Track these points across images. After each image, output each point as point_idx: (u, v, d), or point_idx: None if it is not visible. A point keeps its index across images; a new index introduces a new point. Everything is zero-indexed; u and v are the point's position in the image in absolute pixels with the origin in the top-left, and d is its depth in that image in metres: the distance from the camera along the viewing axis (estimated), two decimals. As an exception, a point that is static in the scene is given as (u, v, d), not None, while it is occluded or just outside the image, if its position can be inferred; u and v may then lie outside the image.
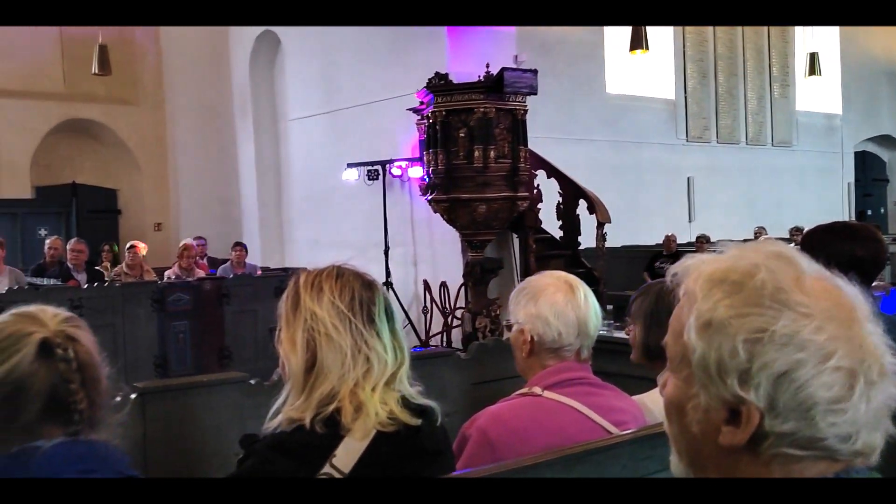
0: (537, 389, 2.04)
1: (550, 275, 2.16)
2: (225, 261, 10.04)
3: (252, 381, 3.35)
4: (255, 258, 10.06)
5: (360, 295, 1.61)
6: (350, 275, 1.64)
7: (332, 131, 11.18)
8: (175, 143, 14.04)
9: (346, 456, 1.51)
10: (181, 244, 9.19)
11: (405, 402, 1.59)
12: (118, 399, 1.55)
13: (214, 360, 8.13)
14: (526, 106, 7.72)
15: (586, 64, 12.08)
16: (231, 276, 9.05)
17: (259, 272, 9.60)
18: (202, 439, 3.15)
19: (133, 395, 2.81)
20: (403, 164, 9.69)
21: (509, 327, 2.16)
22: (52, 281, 8.09)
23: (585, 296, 2.09)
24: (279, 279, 8.92)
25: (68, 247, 8.50)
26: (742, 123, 15.08)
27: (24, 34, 12.56)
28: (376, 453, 1.52)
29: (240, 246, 9.58)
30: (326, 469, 1.50)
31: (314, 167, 11.57)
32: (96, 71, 11.99)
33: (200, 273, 9.12)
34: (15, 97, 13.13)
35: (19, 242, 11.66)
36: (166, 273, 9.16)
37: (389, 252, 9.58)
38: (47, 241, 8.80)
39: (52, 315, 1.45)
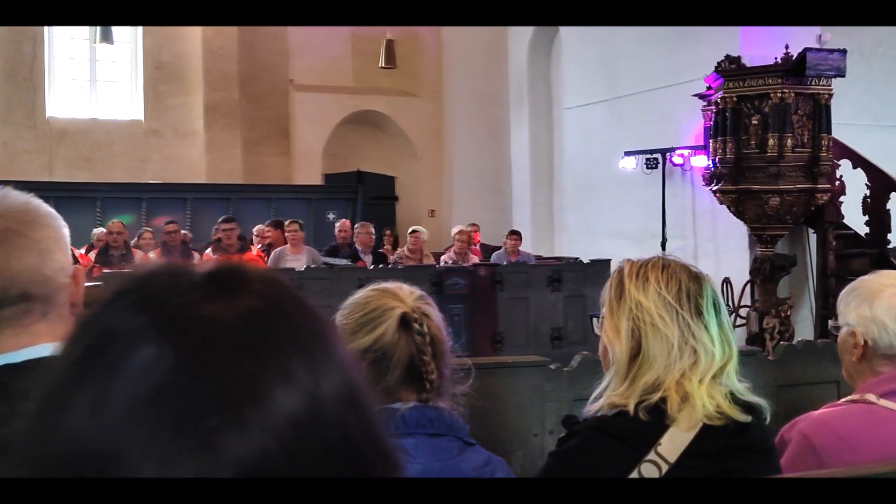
0: (871, 397, 1.88)
1: (890, 275, 1.99)
2: (496, 248, 10.20)
3: (552, 367, 3.44)
4: (525, 246, 10.13)
5: (688, 286, 1.58)
6: (676, 266, 1.62)
7: (609, 119, 10.95)
8: (452, 132, 14.52)
9: (671, 445, 1.50)
10: (457, 230, 9.44)
11: (733, 398, 1.55)
12: (461, 372, 1.65)
13: (487, 343, 8.28)
14: (831, 90, 7.05)
15: (903, 40, 10.80)
16: (504, 262, 9.17)
17: (533, 261, 9.65)
18: (504, 417, 3.25)
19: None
20: (686, 152, 9.27)
21: (836, 329, 2.02)
22: (344, 261, 8.64)
23: None
24: (552, 268, 8.94)
25: (359, 229, 9.01)
26: None
27: (319, 34, 13.60)
28: (703, 446, 1.50)
29: (515, 234, 9.69)
30: (651, 456, 1.49)
31: (589, 156, 11.41)
32: (383, 65, 12.72)
33: (474, 259, 9.35)
34: (311, 91, 14.29)
35: (311, 224, 12.63)
36: (442, 258, 9.48)
37: (667, 244, 9.20)
38: (337, 224, 9.45)
39: (408, 292, 1.62)
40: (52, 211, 1.24)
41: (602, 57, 11.03)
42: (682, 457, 1.49)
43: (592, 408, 1.60)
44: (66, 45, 14.15)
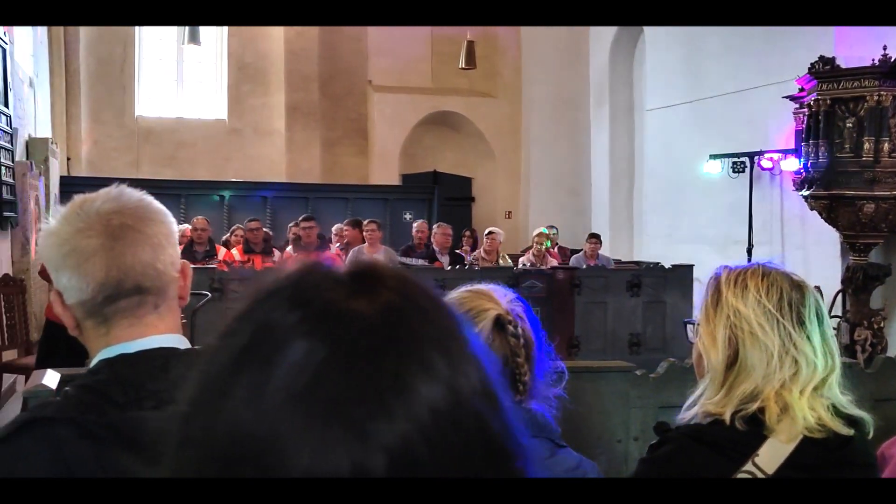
0: None
1: None
2: (574, 251, 10.08)
3: (638, 373, 3.46)
4: (603, 250, 10.00)
5: (790, 295, 1.55)
6: (777, 274, 1.58)
7: (694, 121, 10.72)
8: (529, 133, 14.43)
9: (770, 457, 1.47)
10: (536, 232, 9.37)
11: (836, 411, 1.52)
12: (554, 375, 1.64)
13: (563, 348, 8.19)
14: (931, 93, 6.74)
15: None
16: (583, 266, 9.06)
17: (612, 265, 9.50)
18: (587, 421, 3.28)
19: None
20: (776, 156, 8.99)
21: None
22: (420, 261, 8.65)
23: None
24: (631, 273, 8.80)
25: (436, 230, 9.01)
26: None
27: (398, 35, 13.66)
28: (802, 458, 1.47)
29: (594, 237, 9.57)
30: (748, 467, 1.46)
31: (671, 159, 11.19)
32: (463, 66, 12.69)
33: (552, 262, 9.25)
34: (390, 92, 14.37)
35: (388, 224, 12.70)
36: (520, 260, 9.42)
37: (753, 251, 8.95)
38: (415, 225, 9.46)
39: (502, 294, 1.61)
40: (163, 208, 1.29)
41: (687, 57, 10.81)
42: (781, 469, 1.46)
43: (686, 415, 1.58)
44: (154, 46, 14.55)
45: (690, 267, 8.53)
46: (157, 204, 1.28)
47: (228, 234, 9.46)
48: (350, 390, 0.49)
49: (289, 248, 8.77)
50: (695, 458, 1.51)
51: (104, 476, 1.05)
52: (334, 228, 9.78)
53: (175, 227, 1.29)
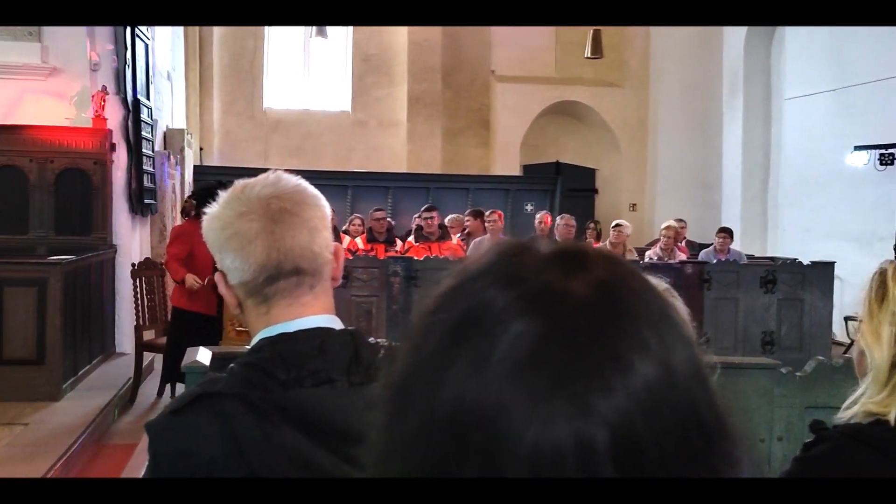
0: None
1: None
2: (703, 245, 9.74)
3: (783, 371, 3.36)
4: (735, 245, 9.59)
5: None
6: None
7: (837, 110, 10.15)
8: (657, 124, 14.05)
9: None
10: (664, 225, 9.08)
11: None
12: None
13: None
14: None
15: None
16: (713, 261, 8.73)
17: (745, 260, 9.12)
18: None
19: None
20: (929, 147, 8.41)
21: None
22: (543, 253, 8.50)
23: None
24: (766, 269, 8.41)
25: (561, 222, 8.86)
26: None
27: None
28: None
29: (725, 231, 9.22)
30: None
31: (812, 150, 10.64)
32: (588, 55, 12.46)
33: (681, 256, 8.97)
34: (513, 82, 14.29)
35: (508, 215, 12.60)
36: (647, 254, 9.17)
37: (901, 248, 8.40)
38: (537, 216, 9.35)
39: (655, 283, 1.48)
40: (318, 192, 1.33)
41: (830, 43, 10.24)
42: None
43: (845, 415, 1.52)
44: (283, 39, 14.92)
45: (832, 264, 8.06)
46: (312, 188, 1.32)
47: (346, 224, 9.58)
48: (571, 365, 0.50)
49: (410, 238, 8.79)
50: (854, 458, 1.45)
51: (269, 449, 1.13)
52: (447, 220, 9.63)
53: (329, 211, 1.33)
